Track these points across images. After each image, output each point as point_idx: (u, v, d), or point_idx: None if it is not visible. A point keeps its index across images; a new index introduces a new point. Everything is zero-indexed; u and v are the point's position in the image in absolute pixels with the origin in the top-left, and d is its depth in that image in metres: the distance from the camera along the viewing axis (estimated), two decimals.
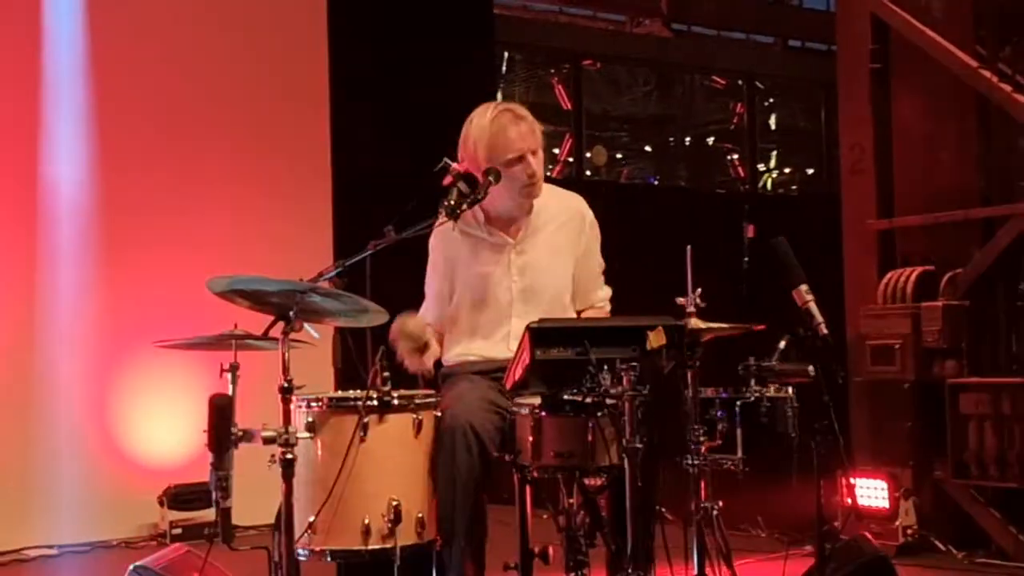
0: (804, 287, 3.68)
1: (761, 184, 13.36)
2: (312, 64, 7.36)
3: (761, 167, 13.43)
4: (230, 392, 3.76)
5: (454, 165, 3.97)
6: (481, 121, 4.03)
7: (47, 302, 6.45)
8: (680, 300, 3.67)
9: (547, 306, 4.05)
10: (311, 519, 3.60)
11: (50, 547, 6.25)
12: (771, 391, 3.72)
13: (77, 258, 6.54)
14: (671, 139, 13.34)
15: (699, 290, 3.63)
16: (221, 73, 6.96)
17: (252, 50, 7.07)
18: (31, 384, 6.34)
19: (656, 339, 3.41)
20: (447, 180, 3.92)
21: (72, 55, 6.64)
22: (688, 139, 13.35)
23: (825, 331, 3.61)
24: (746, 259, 7.98)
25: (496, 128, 4.00)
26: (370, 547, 3.60)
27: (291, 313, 3.55)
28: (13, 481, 6.20)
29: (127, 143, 6.71)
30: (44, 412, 6.37)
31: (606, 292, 4.26)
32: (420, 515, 3.66)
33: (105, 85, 6.69)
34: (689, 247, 3.66)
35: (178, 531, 6.36)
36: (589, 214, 4.22)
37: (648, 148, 13.30)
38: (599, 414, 3.50)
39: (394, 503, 3.60)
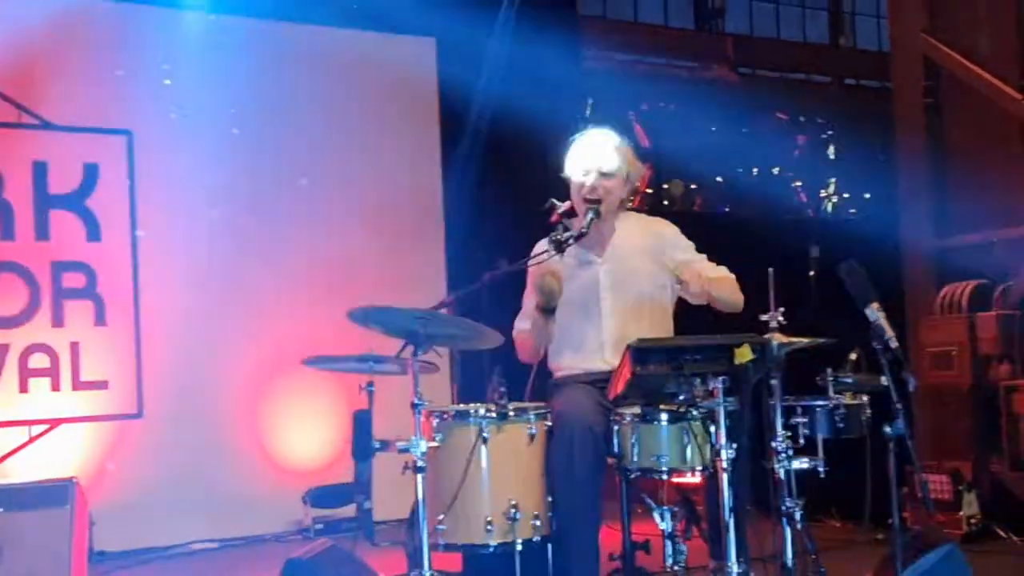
0: (875, 304, 3.61)
1: (823, 209, 13.19)
2: (425, 117, 7.36)
3: (823, 194, 13.25)
4: (368, 407, 3.80)
5: (560, 204, 3.97)
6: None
7: (214, 331, 6.53)
8: (763, 316, 3.62)
9: (634, 317, 4.01)
10: (440, 517, 3.64)
11: (212, 541, 6.33)
12: (847, 399, 3.68)
13: (238, 294, 6.60)
14: (739, 170, 13.22)
15: (781, 308, 3.58)
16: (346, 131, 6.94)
17: (367, 101, 7.03)
18: (199, 398, 6.45)
19: (742, 355, 3.38)
20: (554, 218, 3.93)
21: (211, 108, 6.61)
22: (755, 170, 13.22)
23: (895, 344, 3.54)
24: (811, 273, 7.93)
25: (570, 148, 4.07)
26: (493, 541, 3.62)
27: (419, 335, 3.58)
28: (183, 483, 6.29)
29: (275, 193, 6.75)
30: (208, 423, 6.47)
31: (719, 268, 4.09)
32: (535, 513, 3.67)
33: (251, 132, 6.72)
34: (771, 270, 3.61)
35: (320, 526, 6.39)
36: (670, 228, 4.19)
37: (719, 179, 13.20)
38: (693, 422, 3.49)
39: (512, 503, 3.62)
